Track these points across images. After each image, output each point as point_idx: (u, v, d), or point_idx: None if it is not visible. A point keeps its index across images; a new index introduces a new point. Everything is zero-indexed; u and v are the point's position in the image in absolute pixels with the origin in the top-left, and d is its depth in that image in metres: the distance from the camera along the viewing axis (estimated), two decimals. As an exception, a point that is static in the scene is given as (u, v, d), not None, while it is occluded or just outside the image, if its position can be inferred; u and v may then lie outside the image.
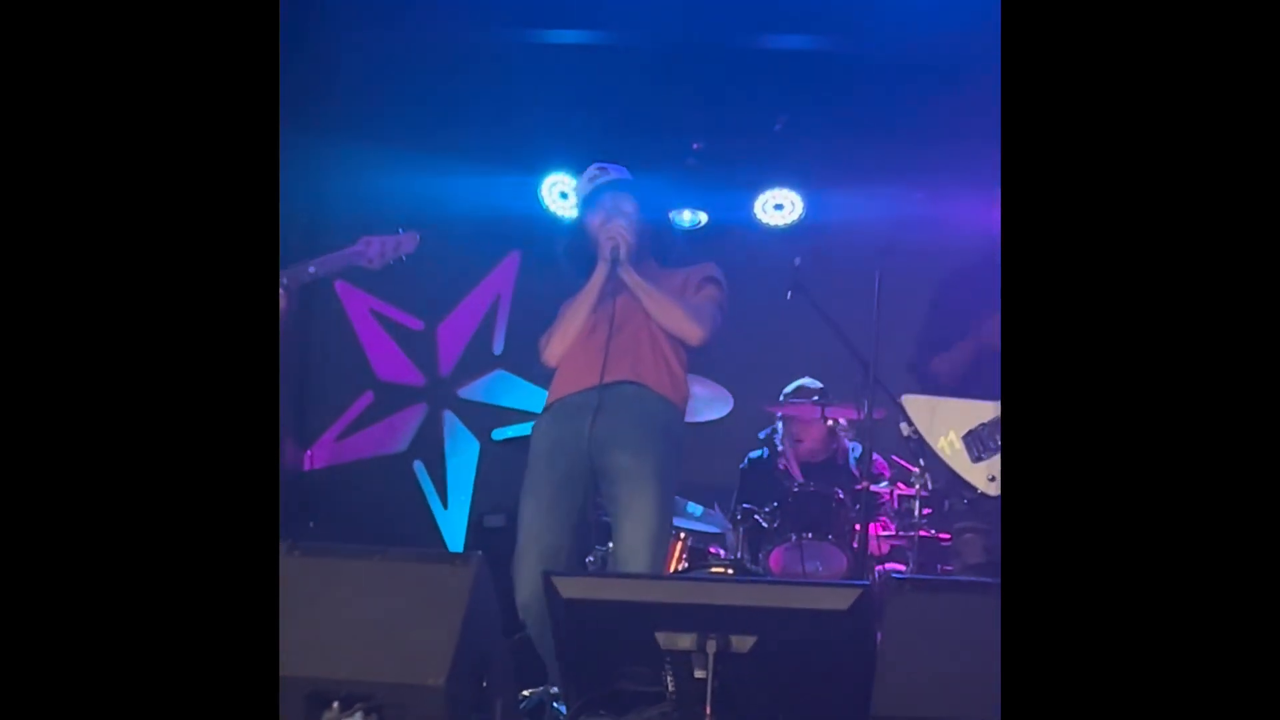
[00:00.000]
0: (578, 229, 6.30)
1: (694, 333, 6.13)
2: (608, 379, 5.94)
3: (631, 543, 5.84)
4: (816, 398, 7.93)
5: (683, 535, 7.65)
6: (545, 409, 6.11)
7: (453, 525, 9.64)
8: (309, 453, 9.64)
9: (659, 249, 6.32)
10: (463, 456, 9.88)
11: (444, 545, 9.38)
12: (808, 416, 8.01)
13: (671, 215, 8.96)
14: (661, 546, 5.92)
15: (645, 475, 5.90)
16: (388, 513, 9.49)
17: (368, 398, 9.79)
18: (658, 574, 6.06)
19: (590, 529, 6.22)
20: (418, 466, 9.88)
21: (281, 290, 6.15)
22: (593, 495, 6.05)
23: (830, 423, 7.97)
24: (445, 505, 9.81)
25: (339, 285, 9.39)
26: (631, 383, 6.01)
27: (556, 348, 6.15)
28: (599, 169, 6.28)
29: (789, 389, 8.15)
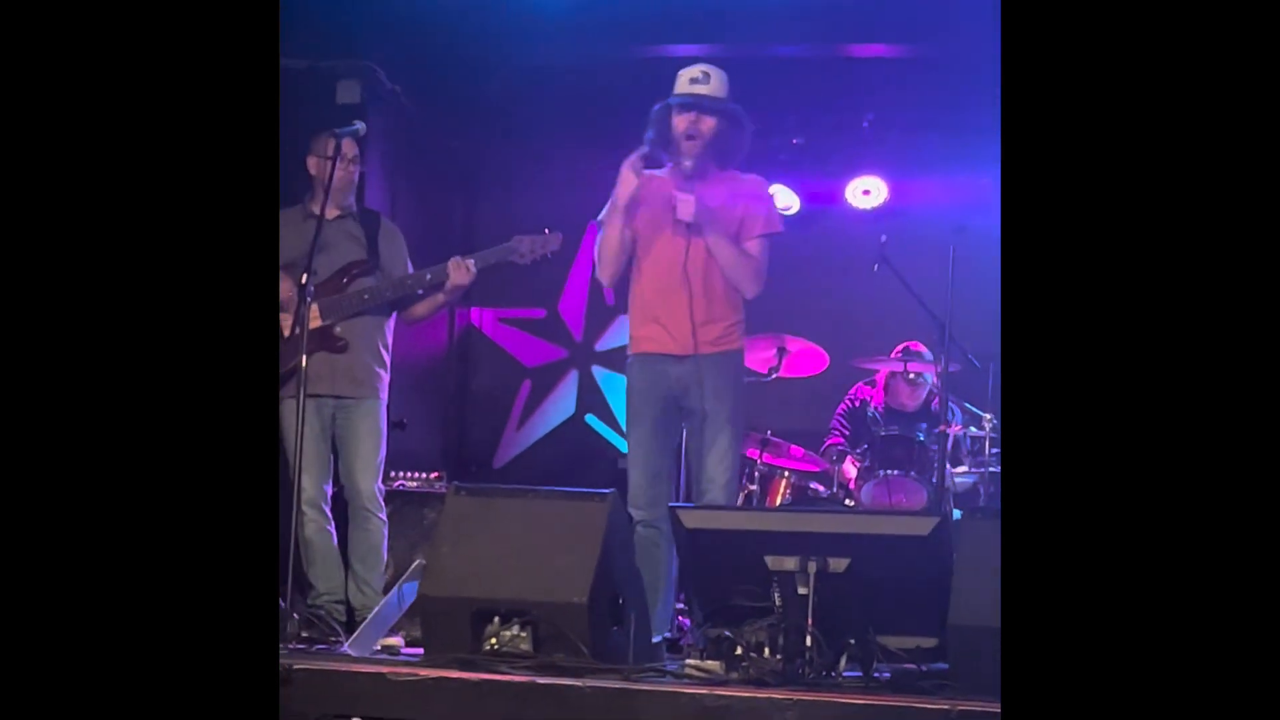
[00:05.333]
0: (664, 119, 5.93)
1: (752, 290, 5.98)
2: (698, 351, 5.85)
3: (712, 474, 5.81)
4: (899, 353, 7.90)
5: (786, 474, 7.66)
6: (637, 355, 6.00)
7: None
8: (497, 451, 9.65)
9: (721, 155, 5.99)
10: (622, 395, 9.88)
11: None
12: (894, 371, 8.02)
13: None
14: (735, 478, 5.93)
15: (724, 422, 5.85)
16: (583, 464, 9.50)
17: (527, 387, 9.79)
18: (765, 507, 6.08)
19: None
20: (589, 419, 9.88)
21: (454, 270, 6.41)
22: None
23: (913, 376, 7.94)
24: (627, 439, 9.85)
25: (472, 312, 9.45)
26: (716, 354, 5.89)
27: (607, 269, 6.03)
28: (702, 72, 5.96)
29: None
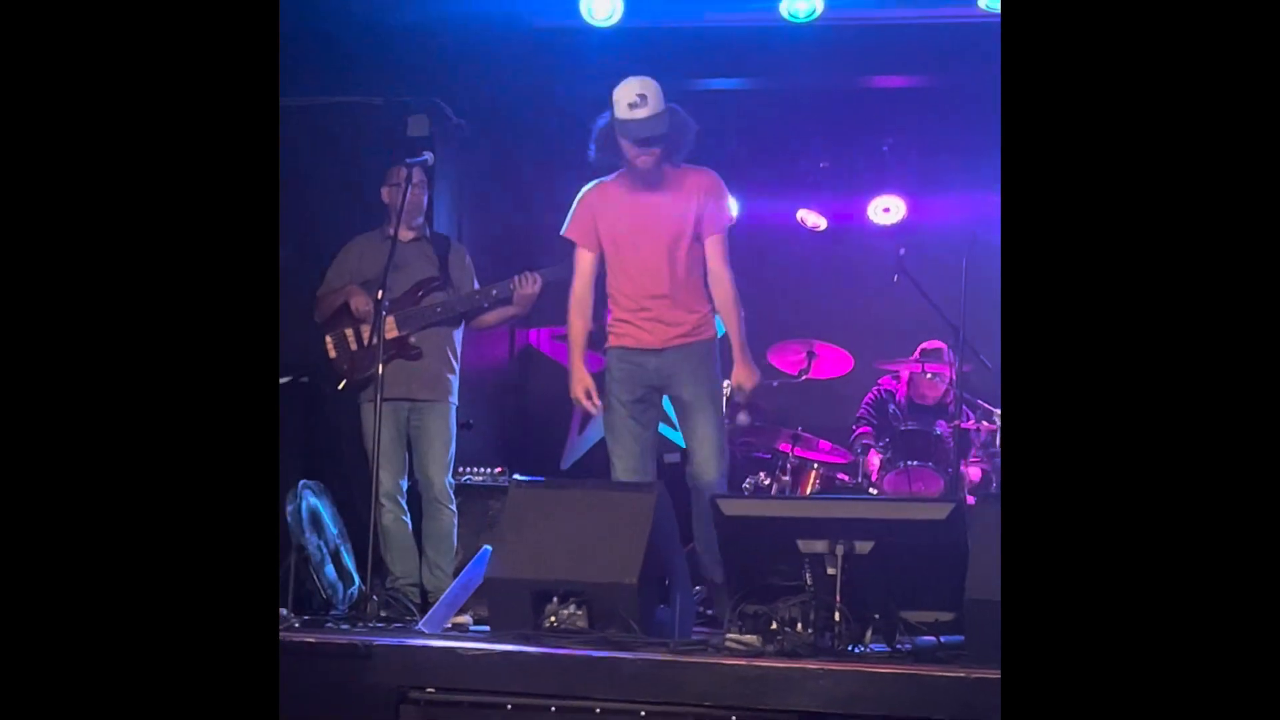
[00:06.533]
0: (610, 139, 5.73)
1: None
2: (673, 344, 5.82)
3: (700, 455, 5.76)
4: (918, 356, 7.87)
5: (815, 466, 7.65)
6: (616, 348, 5.91)
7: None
8: (564, 454, 9.59)
9: (671, 155, 5.78)
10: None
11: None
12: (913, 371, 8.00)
13: (800, 216, 8.95)
14: (724, 448, 5.85)
15: (705, 404, 5.82)
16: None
17: (584, 396, 9.70)
18: (797, 496, 6.06)
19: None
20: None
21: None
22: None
23: (930, 375, 7.92)
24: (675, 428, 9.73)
25: (530, 333, 9.40)
26: (686, 345, 5.84)
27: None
28: (639, 95, 5.66)
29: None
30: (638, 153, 5.72)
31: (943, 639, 4.61)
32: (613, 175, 5.94)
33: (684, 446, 5.96)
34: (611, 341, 5.93)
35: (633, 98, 5.64)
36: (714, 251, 5.86)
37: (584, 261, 5.95)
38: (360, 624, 5.66)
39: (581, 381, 5.90)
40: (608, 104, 5.79)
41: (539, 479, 5.35)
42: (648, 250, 5.81)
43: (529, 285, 6.52)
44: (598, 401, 5.87)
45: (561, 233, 6.00)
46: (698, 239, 5.84)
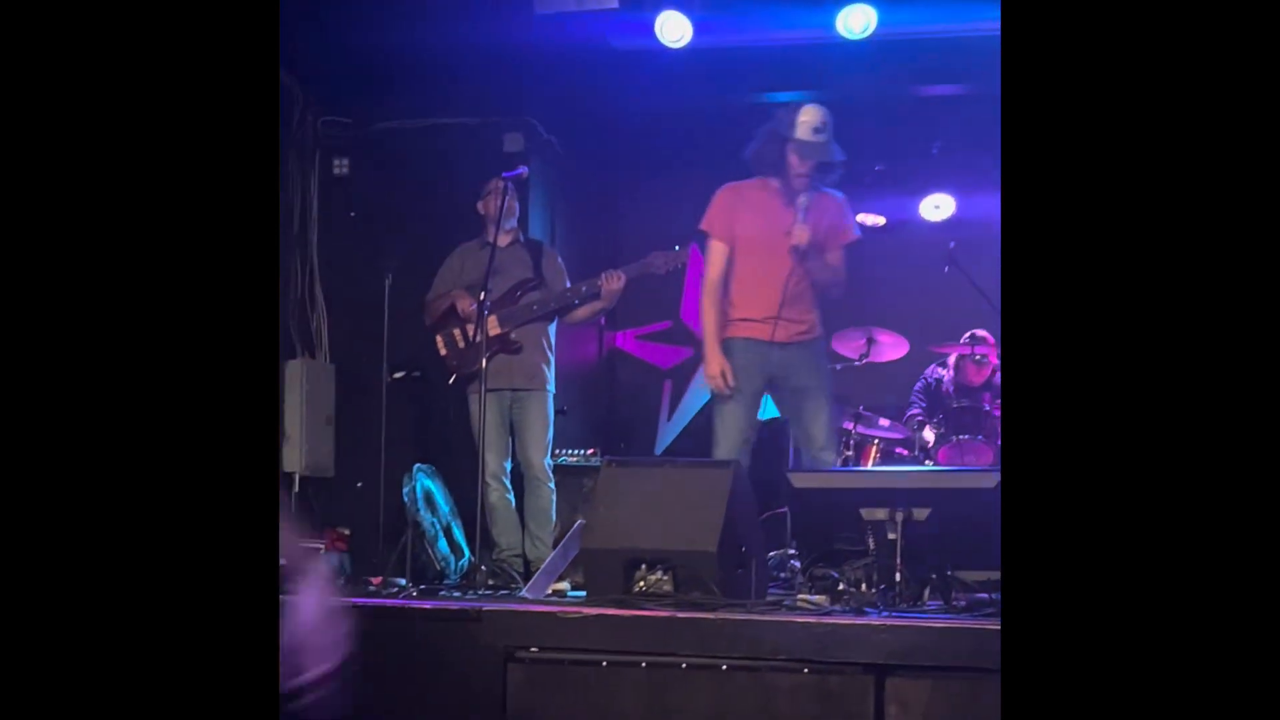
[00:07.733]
0: (780, 152, 5.86)
1: (837, 294, 6.10)
2: (793, 340, 5.91)
3: (821, 440, 5.88)
4: (967, 339, 7.84)
5: (876, 441, 7.66)
6: (740, 338, 5.92)
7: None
8: (656, 441, 9.59)
9: (820, 179, 5.95)
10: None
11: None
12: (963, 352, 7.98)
13: (859, 218, 8.93)
14: (835, 438, 6.00)
15: (824, 393, 5.94)
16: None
17: (669, 385, 9.69)
18: (860, 469, 6.07)
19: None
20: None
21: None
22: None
23: (979, 357, 7.89)
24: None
25: (617, 336, 9.41)
26: (806, 341, 5.97)
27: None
28: (823, 121, 5.82)
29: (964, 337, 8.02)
30: (802, 172, 5.83)
31: (993, 595, 4.61)
32: (749, 181, 6.03)
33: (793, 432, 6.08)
34: (737, 333, 5.95)
35: (817, 123, 5.81)
36: (836, 257, 6.05)
37: (718, 254, 6.01)
38: (471, 591, 5.74)
39: (719, 362, 5.88)
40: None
41: (627, 458, 5.38)
42: (780, 258, 5.86)
43: (614, 281, 6.60)
44: (732, 382, 5.86)
45: (700, 226, 6.07)
46: (823, 252, 5.97)
